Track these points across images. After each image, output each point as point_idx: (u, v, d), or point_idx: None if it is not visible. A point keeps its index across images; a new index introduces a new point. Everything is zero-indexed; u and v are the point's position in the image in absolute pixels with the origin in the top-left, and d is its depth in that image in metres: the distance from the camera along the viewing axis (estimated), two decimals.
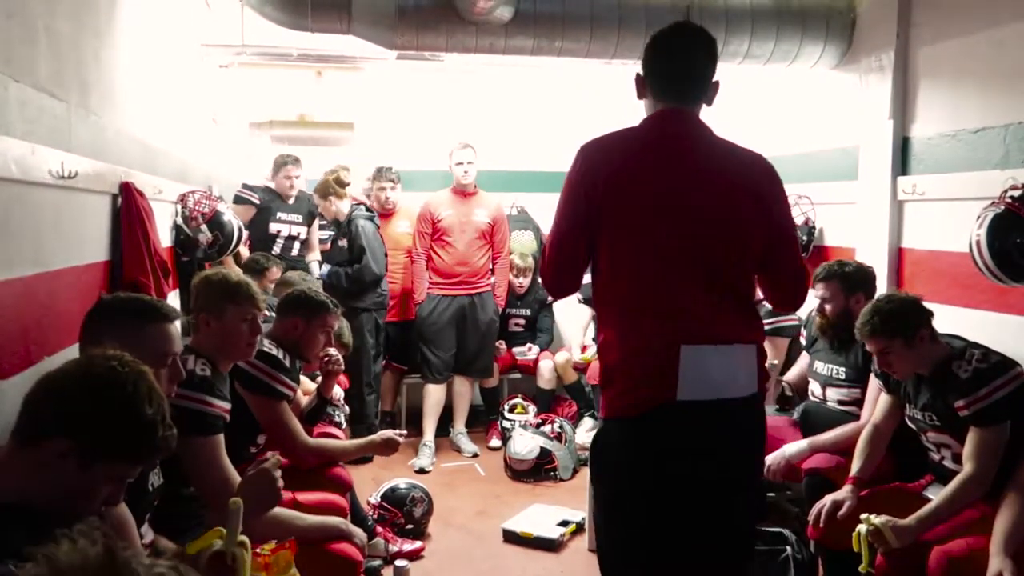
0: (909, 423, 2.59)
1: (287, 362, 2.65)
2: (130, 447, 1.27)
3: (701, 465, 1.77)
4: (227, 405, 2.16)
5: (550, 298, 5.20)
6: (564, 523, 3.57)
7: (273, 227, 4.76)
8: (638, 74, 1.94)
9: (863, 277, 3.03)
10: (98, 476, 1.25)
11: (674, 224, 1.79)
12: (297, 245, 4.88)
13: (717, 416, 1.76)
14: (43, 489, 1.23)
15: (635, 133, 1.90)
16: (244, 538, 1.61)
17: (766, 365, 2.16)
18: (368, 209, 4.74)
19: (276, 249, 4.70)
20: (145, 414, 1.26)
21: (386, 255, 4.69)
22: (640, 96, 1.95)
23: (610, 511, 1.92)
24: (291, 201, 4.81)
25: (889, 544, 2.24)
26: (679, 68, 1.89)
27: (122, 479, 1.31)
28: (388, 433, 2.90)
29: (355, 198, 4.86)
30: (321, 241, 5.09)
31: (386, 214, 4.93)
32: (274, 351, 2.61)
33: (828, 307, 3.02)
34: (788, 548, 2.81)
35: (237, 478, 2.11)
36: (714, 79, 1.92)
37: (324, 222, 4.99)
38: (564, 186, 1.87)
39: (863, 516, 2.32)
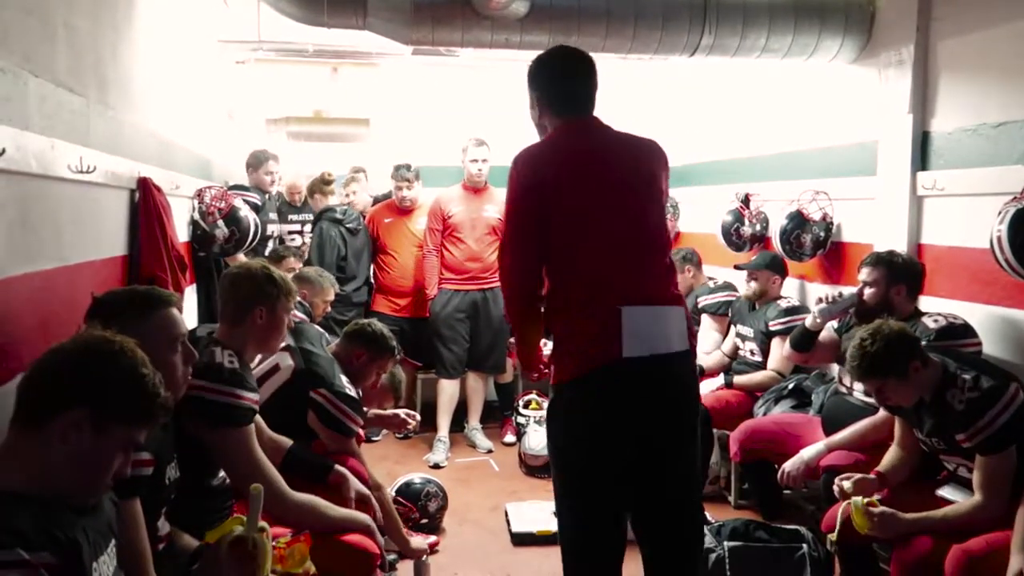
0: (922, 446, 2.56)
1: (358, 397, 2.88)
2: (141, 407, 1.31)
3: (647, 416, 2.02)
4: (256, 396, 2.18)
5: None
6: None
7: (269, 228, 4.59)
8: (536, 95, 2.18)
9: (909, 270, 3.00)
10: (112, 442, 1.28)
11: (610, 210, 2.04)
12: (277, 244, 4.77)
13: (657, 369, 2.00)
14: (54, 468, 1.24)
15: (558, 142, 2.13)
16: (264, 524, 1.62)
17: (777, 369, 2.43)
18: (344, 213, 4.78)
19: (266, 251, 4.51)
20: (145, 373, 1.32)
21: (344, 259, 4.74)
22: (541, 117, 2.20)
23: (570, 463, 2.14)
24: (269, 199, 4.70)
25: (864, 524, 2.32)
26: (578, 87, 2.17)
27: (131, 446, 1.34)
28: (422, 544, 3.11)
29: (341, 200, 4.93)
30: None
31: (405, 211, 4.94)
32: (351, 391, 2.79)
33: (868, 292, 3.00)
34: (804, 546, 2.79)
35: (269, 466, 2.17)
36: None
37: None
38: (512, 197, 2.10)
39: (850, 491, 2.42)
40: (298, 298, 3.51)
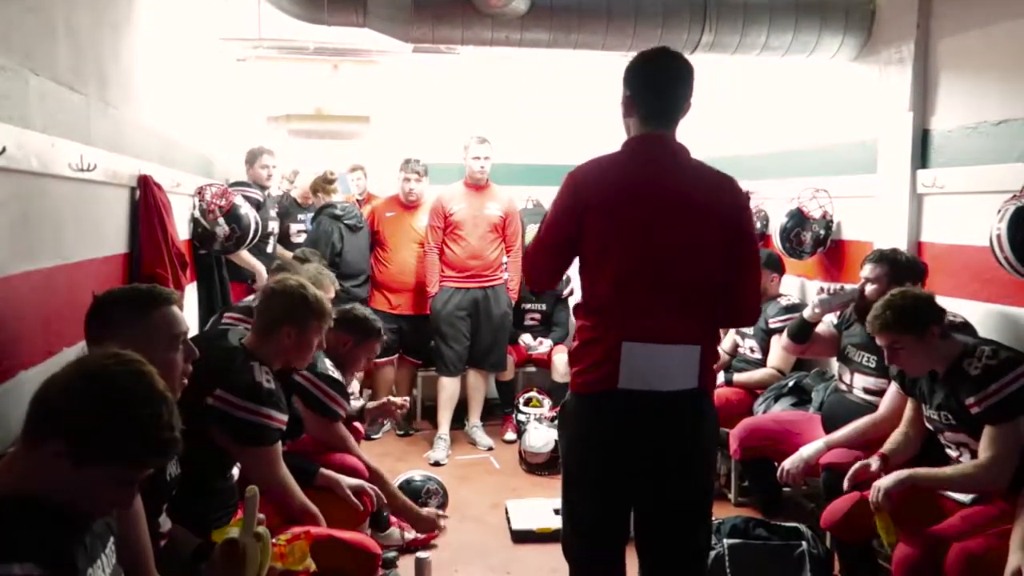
0: (926, 423, 2.57)
1: (343, 380, 2.89)
2: (124, 447, 1.22)
3: (639, 447, 1.99)
4: (286, 417, 2.22)
5: (565, 292, 5.20)
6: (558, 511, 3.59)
7: (270, 225, 4.55)
8: (627, 95, 2.06)
9: (912, 269, 3.01)
10: (94, 478, 1.21)
11: (639, 242, 1.98)
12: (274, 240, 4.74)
13: (653, 405, 1.97)
14: (46, 487, 1.21)
15: (619, 159, 2.06)
16: (261, 529, 1.62)
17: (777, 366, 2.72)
18: (343, 209, 4.79)
19: (268, 248, 4.54)
20: (138, 412, 1.22)
21: (338, 254, 4.73)
22: (627, 116, 2.09)
23: (567, 473, 2.15)
24: (269, 196, 4.66)
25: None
26: (668, 97, 2.04)
27: (126, 482, 1.27)
28: (432, 511, 3.19)
29: (343, 197, 4.93)
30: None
31: (409, 207, 4.94)
32: (336, 374, 2.80)
33: (870, 288, 3.00)
34: (804, 543, 2.79)
35: (291, 479, 2.24)
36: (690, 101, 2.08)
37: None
38: (555, 203, 2.08)
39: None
40: None
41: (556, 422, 2.20)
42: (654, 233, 1.97)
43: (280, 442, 2.22)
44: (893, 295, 2.47)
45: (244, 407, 2.06)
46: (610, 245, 1.99)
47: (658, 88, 2.03)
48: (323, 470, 2.54)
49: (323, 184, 4.83)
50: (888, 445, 2.62)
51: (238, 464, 2.22)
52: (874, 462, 2.54)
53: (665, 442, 2.00)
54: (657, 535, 2.08)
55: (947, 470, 2.38)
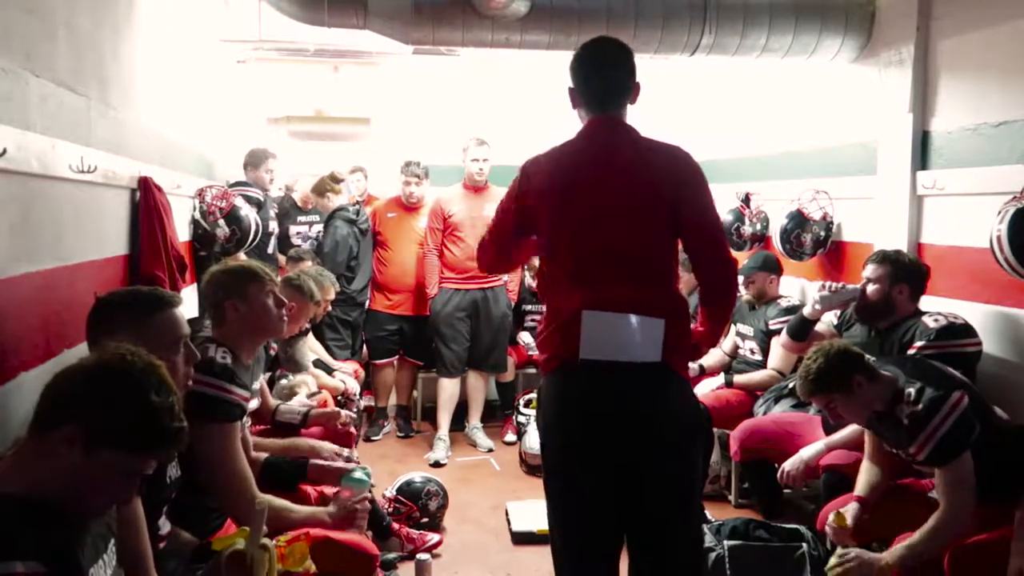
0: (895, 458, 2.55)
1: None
2: (135, 434, 1.25)
3: (609, 419, 1.96)
4: (247, 394, 2.17)
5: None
6: None
7: (271, 226, 4.57)
8: (570, 88, 2.15)
9: (913, 271, 2.98)
10: (104, 465, 1.23)
11: (590, 219, 2.03)
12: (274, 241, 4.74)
13: (614, 375, 1.96)
14: (51, 481, 1.22)
15: (570, 144, 2.14)
16: (267, 541, 1.62)
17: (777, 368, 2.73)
18: (357, 213, 4.79)
19: (269, 249, 4.54)
20: (151, 400, 1.25)
21: (355, 258, 4.73)
22: (574, 107, 2.18)
23: (544, 455, 2.17)
24: (268, 197, 4.66)
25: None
26: (605, 81, 2.12)
27: (131, 473, 1.28)
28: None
29: (347, 199, 4.91)
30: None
31: (410, 208, 4.94)
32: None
33: (871, 288, 2.99)
34: (804, 545, 2.79)
35: (247, 470, 2.13)
36: (635, 82, 2.14)
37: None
38: (507, 195, 2.20)
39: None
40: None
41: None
42: (604, 209, 2.02)
43: (238, 424, 2.13)
44: (808, 358, 2.42)
45: (198, 380, 1.96)
46: (563, 222, 2.04)
47: (594, 73, 2.11)
48: (313, 461, 2.50)
49: (330, 183, 4.78)
50: (861, 485, 2.57)
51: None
52: (851, 509, 2.50)
53: (639, 418, 1.95)
54: (643, 537, 2.02)
55: (921, 534, 2.26)
